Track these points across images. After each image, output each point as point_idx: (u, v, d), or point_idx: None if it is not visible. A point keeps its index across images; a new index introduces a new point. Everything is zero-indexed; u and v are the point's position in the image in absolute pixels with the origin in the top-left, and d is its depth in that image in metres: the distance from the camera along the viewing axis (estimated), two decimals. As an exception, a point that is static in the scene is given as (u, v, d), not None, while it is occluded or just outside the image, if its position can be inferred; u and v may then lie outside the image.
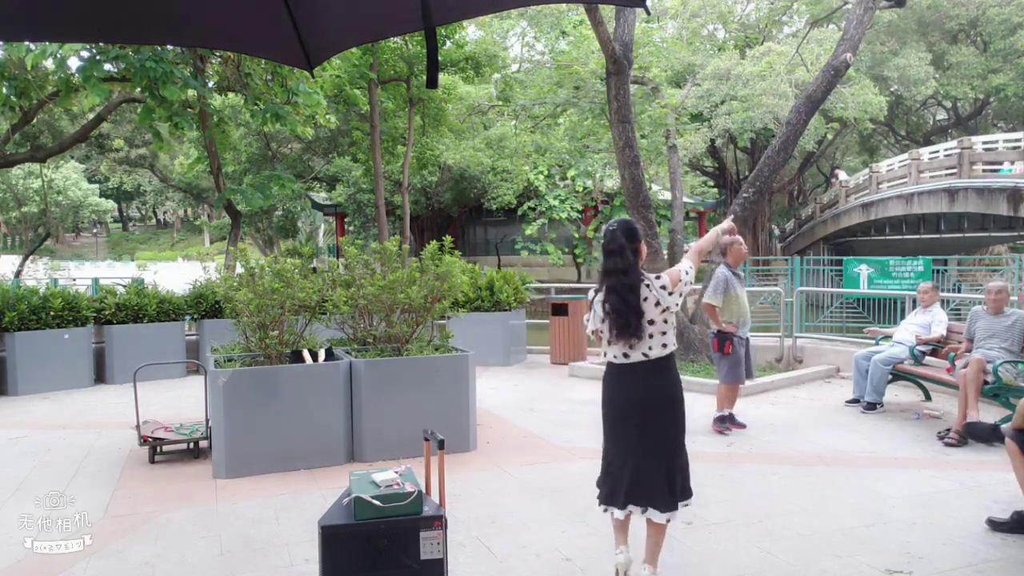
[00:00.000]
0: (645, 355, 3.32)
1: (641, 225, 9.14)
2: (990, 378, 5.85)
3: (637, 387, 3.36)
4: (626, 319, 3.26)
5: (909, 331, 7.15)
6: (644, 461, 3.35)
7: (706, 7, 24.39)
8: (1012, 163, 19.57)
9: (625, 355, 3.36)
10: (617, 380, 3.44)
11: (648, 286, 3.31)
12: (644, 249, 3.45)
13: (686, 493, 3.43)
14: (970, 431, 5.73)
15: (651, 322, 3.30)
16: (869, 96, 21.09)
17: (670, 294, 3.31)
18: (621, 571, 3.40)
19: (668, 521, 3.34)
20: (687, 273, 3.38)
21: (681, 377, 3.53)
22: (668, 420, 3.38)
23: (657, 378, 3.35)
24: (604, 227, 3.46)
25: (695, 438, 6.06)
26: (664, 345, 3.34)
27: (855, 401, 7.19)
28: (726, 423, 6.36)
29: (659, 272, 3.44)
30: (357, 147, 23.18)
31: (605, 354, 3.49)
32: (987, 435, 5.64)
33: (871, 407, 6.92)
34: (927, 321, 7.12)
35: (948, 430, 5.93)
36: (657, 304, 3.30)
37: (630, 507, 3.37)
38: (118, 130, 31.75)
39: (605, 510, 3.48)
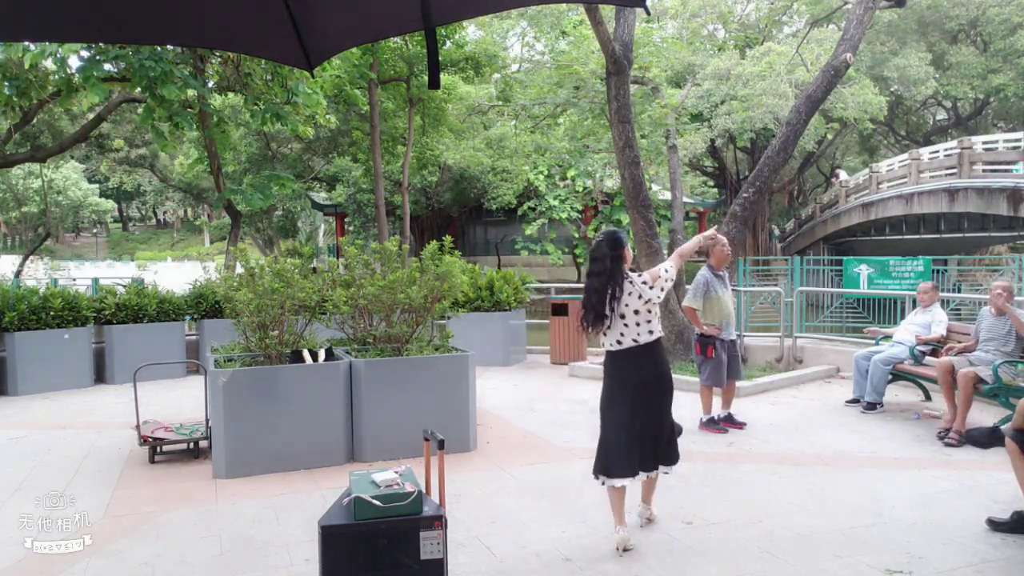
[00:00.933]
0: (635, 341, 3.84)
1: (641, 225, 9.20)
2: (990, 378, 5.85)
3: (631, 369, 3.87)
4: (596, 312, 3.79)
5: (909, 331, 7.15)
6: (641, 431, 3.83)
7: (706, 7, 24.38)
8: None
9: (618, 342, 3.87)
10: (614, 364, 3.93)
11: (631, 283, 3.83)
12: (628, 254, 3.90)
13: (675, 457, 4.03)
14: (969, 438, 5.74)
15: (636, 312, 3.81)
16: (869, 96, 21.08)
17: (651, 288, 3.83)
18: (620, 546, 3.79)
19: (648, 477, 3.92)
20: (667, 271, 3.90)
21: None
22: (658, 395, 3.89)
23: (647, 360, 3.85)
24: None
25: (694, 438, 6.07)
26: (651, 332, 3.85)
27: (855, 401, 7.19)
28: (718, 424, 6.34)
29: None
30: (357, 147, 23.17)
31: (603, 344, 3.98)
32: (985, 441, 5.64)
33: (871, 407, 6.92)
34: (927, 321, 7.12)
35: (948, 430, 5.93)
36: (640, 297, 3.81)
37: (627, 473, 3.82)
38: (118, 130, 31.78)
39: (603, 483, 3.87)
